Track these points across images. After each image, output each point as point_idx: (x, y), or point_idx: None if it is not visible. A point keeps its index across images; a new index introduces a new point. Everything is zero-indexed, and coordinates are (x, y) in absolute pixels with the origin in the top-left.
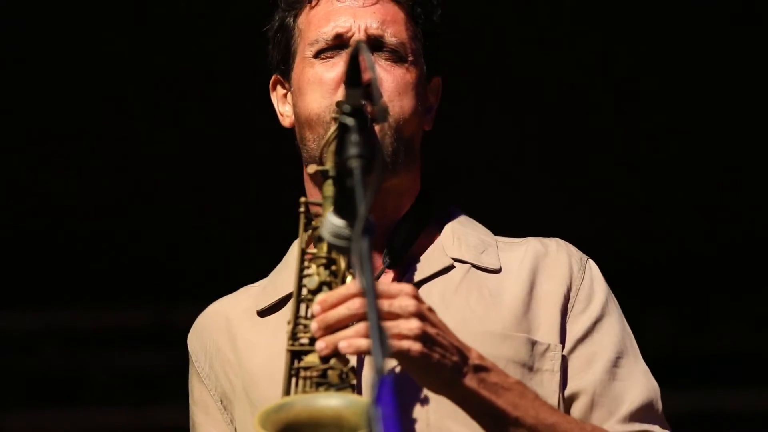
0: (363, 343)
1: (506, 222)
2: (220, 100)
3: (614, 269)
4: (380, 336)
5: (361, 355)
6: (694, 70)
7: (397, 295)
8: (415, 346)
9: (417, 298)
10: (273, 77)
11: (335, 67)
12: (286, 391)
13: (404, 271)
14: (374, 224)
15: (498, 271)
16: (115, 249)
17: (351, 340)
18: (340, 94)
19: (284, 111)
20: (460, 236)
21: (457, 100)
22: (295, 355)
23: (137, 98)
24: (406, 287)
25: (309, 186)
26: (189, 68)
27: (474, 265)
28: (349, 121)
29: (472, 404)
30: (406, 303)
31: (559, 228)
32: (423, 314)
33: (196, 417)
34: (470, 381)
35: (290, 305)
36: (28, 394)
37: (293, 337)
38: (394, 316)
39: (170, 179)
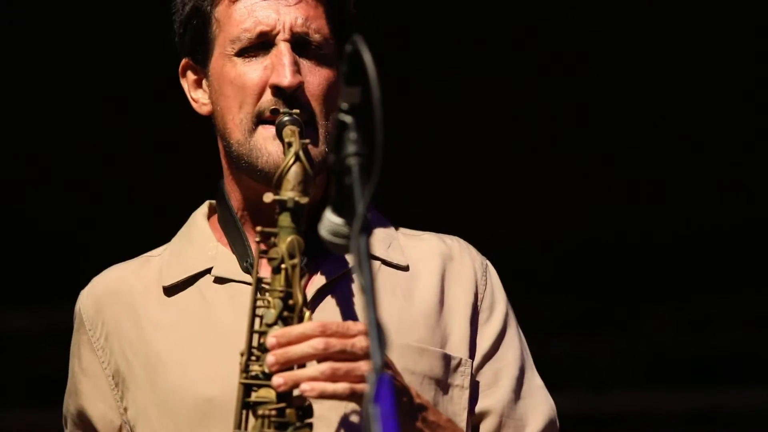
0: (328, 387)
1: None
2: None
3: (614, 267)
4: (379, 334)
5: (324, 398)
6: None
7: (356, 335)
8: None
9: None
10: (183, 61)
11: (258, 68)
12: (238, 425)
13: (315, 269)
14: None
15: (406, 268)
16: (116, 247)
17: (314, 383)
18: (266, 99)
19: (198, 97)
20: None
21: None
22: (248, 388)
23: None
24: (362, 327)
25: (229, 165)
26: None
27: (384, 261)
28: (347, 118)
29: None
30: (365, 344)
31: (560, 226)
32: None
33: (81, 386)
34: (417, 421)
35: (201, 287)
36: (28, 393)
37: (246, 369)
38: (352, 356)
39: (172, 178)
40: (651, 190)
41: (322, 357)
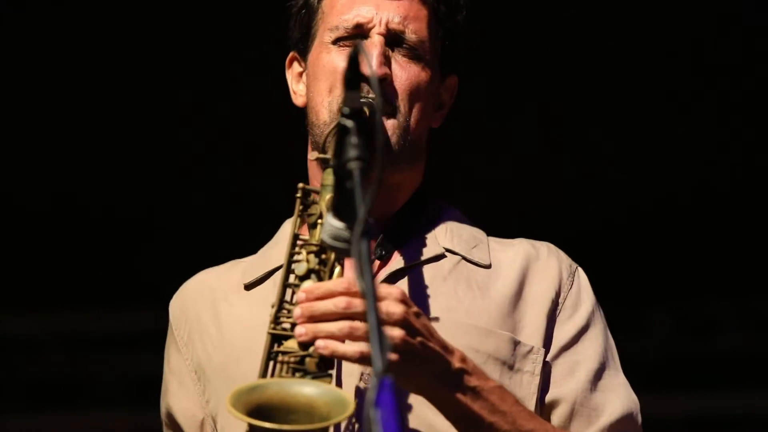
0: (339, 347)
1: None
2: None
3: (616, 270)
4: (380, 338)
5: (336, 357)
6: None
7: (384, 298)
8: (393, 356)
9: (404, 302)
10: (290, 54)
11: None
12: (263, 374)
13: (394, 257)
14: (373, 226)
15: (488, 266)
16: (117, 252)
17: (328, 341)
18: None
19: (297, 89)
20: (453, 230)
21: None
22: (276, 339)
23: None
24: (395, 291)
25: (312, 170)
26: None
27: (465, 258)
28: (348, 123)
29: (449, 407)
30: (393, 309)
31: (562, 223)
32: (408, 321)
33: (169, 385)
34: (451, 385)
35: (276, 279)
36: (28, 397)
37: (275, 320)
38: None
39: (174, 184)
40: (653, 192)
41: (343, 316)
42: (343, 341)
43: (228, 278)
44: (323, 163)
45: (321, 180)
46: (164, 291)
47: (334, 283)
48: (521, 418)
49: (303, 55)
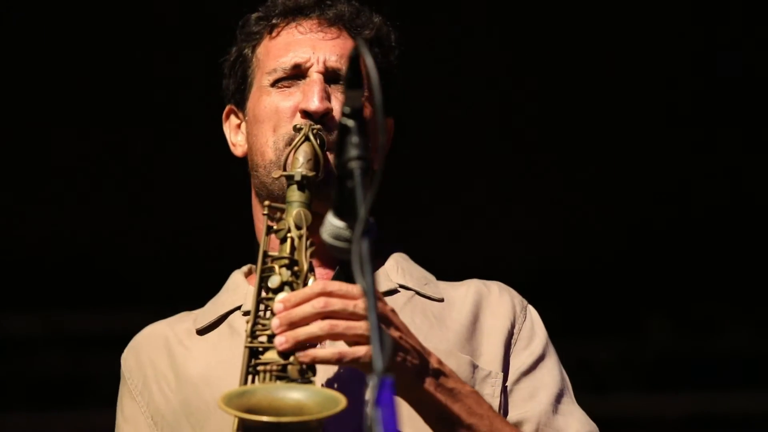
0: (319, 353)
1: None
2: None
3: (614, 272)
4: (380, 337)
5: (317, 363)
6: None
7: (360, 296)
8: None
9: (380, 299)
10: (227, 108)
11: (291, 97)
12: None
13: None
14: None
15: (441, 300)
16: (117, 252)
17: (309, 350)
18: (295, 121)
19: (236, 141)
20: (404, 268)
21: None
22: (253, 353)
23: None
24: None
25: (257, 211)
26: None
27: (418, 293)
28: (349, 122)
29: (428, 408)
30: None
31: (564, 226)
32: (386, 317)
33: None
34: (428, 385)
35: (231, 323)
36: (29, 397)
37: (252, 334)
38: (357, 317)
39: (174, 186)
40: (651, 193)
41: (322, 315)
42: (323, 344)
43: (180, 326)
44: (287, 180)
45: (286, 196)
46: (164, 291)
47: (309, 288)
48: (498, 422)
49: (240, 105)
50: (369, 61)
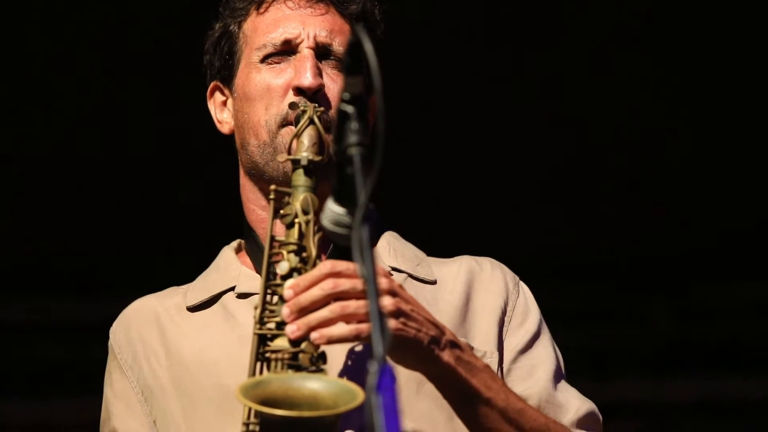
0: (334, 331)
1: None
2: None
3: (615, 258)
4: (380, 323)
5: (332, 343)
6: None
7: None
8: (390, 324)
9: (387, 276)
10: (212, 84)
11: (283, 74)
12: (251, 375)
13: None
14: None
15: (434, 282)
16: (116, 240)
17: (322, 330)
18: (288, 100)
19: (222, 118)
20: (396, 248)
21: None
22: (262, 339)
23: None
24: (377, 267)
25: (245, 190)
26: None
27: (411, 275)
28: (349, 108)
29: (448, 381)
30: (379, 281)
31: (564, 218)
32: (395, 291)
33: (114, 408)
34: (447, 357)
35: (225, 303)
36: (29, 384)
37: (260, 321)
38: (363, 295)
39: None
40: (651, 182)
41: (333, 296)
42: (337, 323)
43: (170, 301)
44: (293, 164)
45: (292, 180)
46: (163, 278)
47: (317, 269)
48: (512, 397)
49: (227, 82)
50: (368, 47)
